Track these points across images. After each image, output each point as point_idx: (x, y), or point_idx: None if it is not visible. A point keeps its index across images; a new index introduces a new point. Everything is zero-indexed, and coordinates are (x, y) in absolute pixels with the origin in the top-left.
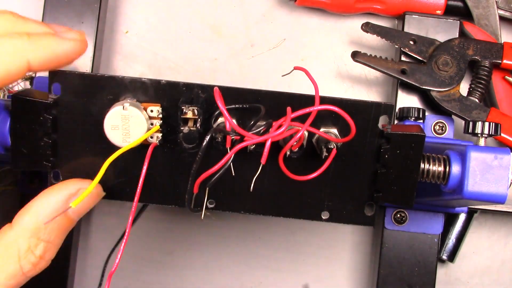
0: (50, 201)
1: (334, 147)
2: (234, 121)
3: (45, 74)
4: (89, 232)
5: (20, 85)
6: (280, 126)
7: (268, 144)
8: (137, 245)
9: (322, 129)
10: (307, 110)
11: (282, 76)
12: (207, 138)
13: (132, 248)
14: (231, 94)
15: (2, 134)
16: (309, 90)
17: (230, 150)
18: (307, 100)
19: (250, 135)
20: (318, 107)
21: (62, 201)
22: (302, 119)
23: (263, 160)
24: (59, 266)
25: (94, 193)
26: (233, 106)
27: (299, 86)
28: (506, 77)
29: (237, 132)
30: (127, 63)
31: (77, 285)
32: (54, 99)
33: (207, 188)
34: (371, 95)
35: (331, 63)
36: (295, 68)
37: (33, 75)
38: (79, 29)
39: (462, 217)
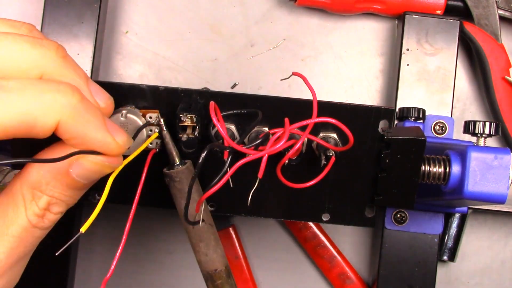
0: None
1: (333, 154)
2: (233, 126)
3: None
4: (89, 232)
5: None
6: (277, 139)
7: (264, 159)
8: (137, 245)
9: (321, 134)
10: (304, 122)
11: (281, 80)
12: (203, 155)
13: (132, 248)
14: (230, 100)
15: None
16: (309, 92)
17: (226, 161)
18: (306, 105)
19: (246, 150)
20: (315, 119)
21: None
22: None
23: (260, 174)
24: (59, 266)
25: (105, 163)
26: (231, 112)
27: (299, 86)
28: (506, 77)
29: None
30: (127, 63)
31: (77, 285)
32: None
33: (203, 203)
34: (371, 95)
35: (331, 63)
36: (294, 74)
37: None
38: (79, 29)
39: (457, 215)
